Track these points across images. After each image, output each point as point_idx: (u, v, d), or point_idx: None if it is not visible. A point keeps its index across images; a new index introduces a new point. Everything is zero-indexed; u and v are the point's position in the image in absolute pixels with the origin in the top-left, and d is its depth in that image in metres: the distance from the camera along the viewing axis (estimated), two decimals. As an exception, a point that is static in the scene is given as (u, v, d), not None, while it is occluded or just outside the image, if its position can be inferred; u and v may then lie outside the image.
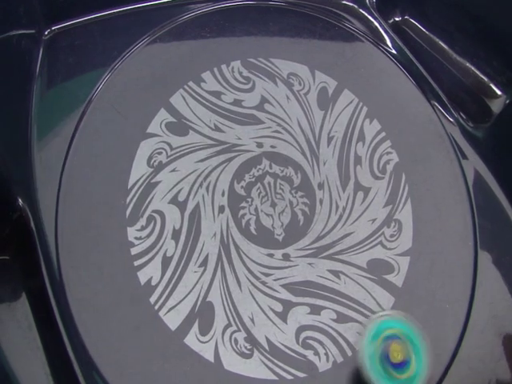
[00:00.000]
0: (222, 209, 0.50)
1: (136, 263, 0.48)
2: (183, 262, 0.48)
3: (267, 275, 0.48)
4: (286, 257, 0.49)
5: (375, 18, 0.61)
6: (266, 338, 0.46)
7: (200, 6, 0.59)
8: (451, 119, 0.56)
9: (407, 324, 0.40)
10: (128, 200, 0.50)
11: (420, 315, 0.47)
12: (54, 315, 0.46)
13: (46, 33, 0.57)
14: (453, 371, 0.46)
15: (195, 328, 0.46)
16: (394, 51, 0.59)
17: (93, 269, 0.47)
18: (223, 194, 0.51)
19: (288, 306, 0.47)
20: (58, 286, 0.47)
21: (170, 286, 0.47)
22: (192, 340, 0.46)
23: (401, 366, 0.38)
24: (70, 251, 0.48)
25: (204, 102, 0.54)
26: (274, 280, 0.48)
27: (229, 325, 0.46)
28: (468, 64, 0.57)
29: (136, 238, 0.49)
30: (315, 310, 0.47)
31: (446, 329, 0.47)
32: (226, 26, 0.58)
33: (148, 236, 0.49)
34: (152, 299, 0.47)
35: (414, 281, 0.49)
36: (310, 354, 0.46)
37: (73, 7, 0.57)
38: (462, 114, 0.57)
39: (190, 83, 0.55)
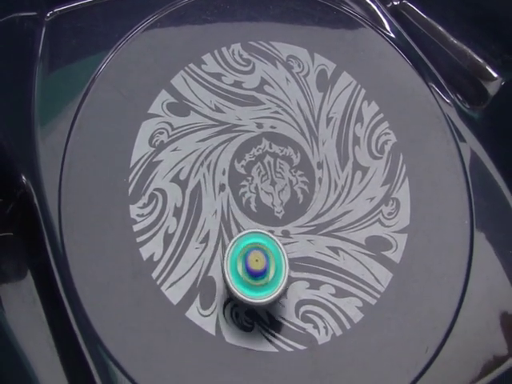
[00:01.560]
0: (222, 187, 0.51)
1: (138, 239, 0.48)
2: (185, 238, 0.49)
3: None
4: (285, 233, 0.49)
5: (374, 2, 0.61)
6: (266, 311, 0.47)
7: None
8: (448, 101, 0.57)
9: (268, 238, 0.42)
10: (130, 178, 0.50)
11: (417, 290, 0.48)
12: (58, 290, 0.46)
13: (49, 15, 0.57)
14: (449, 344, 0.47)
15: (197, 302, 0.47)
16: (392, 35, 0.60)
17: (96, 245, 0.48)
18: (224, 173, 0.51)
19: (288, 280, 0.47)
20: (61, 261, 0.47)
21: (172, 262, 0.48)
22: (194, 314, 0.46)
23: (259, 274, 0.40)
24: (73, 228, 0.48)
25: (205, 83, 0.55)
26: None
27: (230, 299, 0.47)
28: (465, 47, 0.57)
29: (138, 215, 0.49)
30: (314, 284, 0.48)
31: (442, 303, 0.48)
32: (227, 9, 0.58)
33: (150, 213, 0.49)
34: (154, 274, 0.47)
35: (411, 257, 0.49)
36: (309, 327, 0.47)
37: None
38: (458, 96, 0.57)
39: (191, 65, 0.55)
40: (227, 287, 0.42)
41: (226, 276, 0.41)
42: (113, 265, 0.47)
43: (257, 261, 0.40)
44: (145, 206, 0.49)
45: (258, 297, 0.41)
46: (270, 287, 0.41)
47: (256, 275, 0.41)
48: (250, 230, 0.43)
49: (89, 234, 0.48)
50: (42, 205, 0.48)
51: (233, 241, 0.42)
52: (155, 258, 0.48)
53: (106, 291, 0.46)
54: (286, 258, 0.41)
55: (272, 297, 0.41)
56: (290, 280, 0.47)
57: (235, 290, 0.41)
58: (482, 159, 0.54)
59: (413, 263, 0.49)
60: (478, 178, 0.53)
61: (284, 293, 0.42)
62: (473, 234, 0.50)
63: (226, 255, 0.42)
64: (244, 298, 0.41)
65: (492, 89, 0.56)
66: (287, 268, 0.41)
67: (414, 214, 0.50)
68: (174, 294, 0.47)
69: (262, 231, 0.43)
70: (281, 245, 0.42)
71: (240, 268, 0.41)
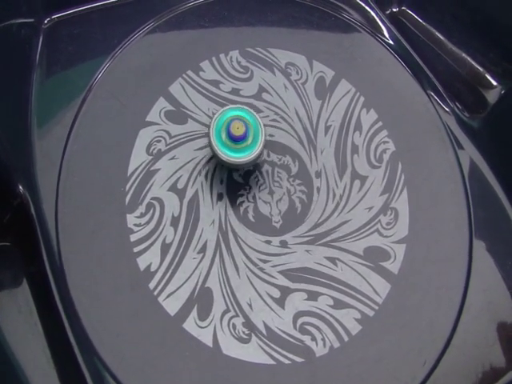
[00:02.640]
0: (220, 196, 0.50)
1: (135, 249, 0.48)
2: (182, 248, 0.48)
3: (265, 262, 0.48)
4: (283, 243, 0.49)
5: (372, 9, 0.61)
6: (264, 323, 0.46)
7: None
8: (447, 109, 0.56)
9: (247, 111, 0.47)
10: (127, 187, 0.50)
11: (416, 301, 0.48)
12: (54, 300, 0.46)
13: (46, 21, 0.57)
14: (447, 356, 0.46)
15: (194, 313, 0.46)
16: (390, 42, 0.59)
17: (93, 255, 0.47)
18: (222, 182, 0.51)
19: (285, 292, 0.47)
20: (58, 271, 0.47)
21: (169, 272, 0.47)
22: (191, 325, 0.46)
23: (240, 139, 0.46)
24: (70, 237, 0.48)
25: (202, 90, 0.54)
26: (272, 266, 0.48)
27: (227, 310, 0.47)
28: (464, 55, 0.57)
29: (135, 225, 0.49)
30: (312, 296, 0.47)
31: (441, 315, 0.48)
32: (225, 16, 0.57)
33: (147, 223, 0.49)
34: (151, 285, 0.47)
35: (409, 268, 0.49)
36: (307, 339, 0.46)
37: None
38: (457, 104, 0.56)
39: (189, 72, 0.54)
40: (214, 151, 0.46)
41: (212, 141, 0.46)
42: (110, 275, 0.47)
43: (238, 128, 0.45)
44: (142, 215, 0.49)
45: (240, 157, 0.46)
46: (250, 149, 0.46)
47: (237, 140, 0.46)
48: (233, 106, 0.47)
49: (86, 243, 0.47)
50: (38, 214, 0.48)
51: (217, 113, 0.47)
52: (152, 269, 0.47)
53: (102, 302, 0.46)
54: (262, 127, 0.47)
55: (251, 156, 0.46)
56: (288, 291, 0.47)
57: (220, 153, 0.46)
58: (481, 168, 0.53)
59: (411, 274, 0.48)
60: (477, 188, 0.52)
61: (261, 154, 0.47)
62: (472, 245, 0.50)
63: (211, 125, 0.46)
64: (228, 158, 0.46)
65: (491, 97, 0.55)
66: (263, 135, 0.47)
67: (412, 224, 0.50)
68: (172, 305, 0.46)
69: (243, 106, 0.47)
70: (258, 116, 0.47)
71: (224, 135, 0.46)
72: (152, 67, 0.54)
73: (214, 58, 0.55)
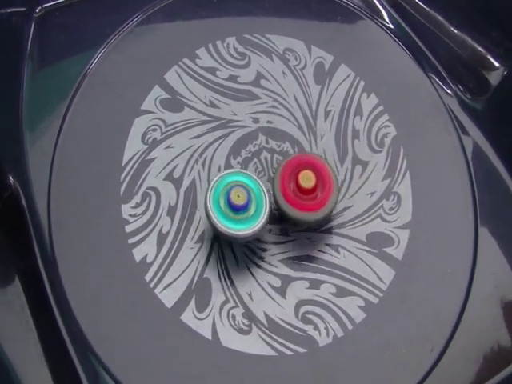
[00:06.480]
0: None
1: (131, 241, 0.45)
2: (179, 238, 0.46)
3: (265, 250, 0.46)
4: (283, 231, 0.47)
5: None
6: (265, 313, 0.44)
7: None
8: (449, 92, 0.54)
9: (249, 177, 0.42)
10: (122, 177, 0.47)
11: (421, 287, 0.45)
12: (47, 295, 0.43)
13: (38, 10, 0.54)
14: (455, 342, 0.44)
15: (192, 305, 0.44)
16: (390, 25, 0.57)
17: (87, 247, 0.45)
18: (219, 170, 0.48)
19: (286, 280, 0.45)
20: (50, 265, 0.44)
21: (166, 263, 0.45)
22: (189, 317, 0.44)
23: (241, 208, 0.41)
24: (62, 230, 0.45)
25: (199, 78, 0.52)
26: (272, 255, 0.46)
27: (226, 301, 0.44)
28: (465, 37, 0.55)
29: (131, 216, 0.46)
30: (314, 284, 0.45)
31: (447, 300, 0.45)
32: (220, 3, 0.55)
33: (143, 213, 0.46)
34: (147, 277, 0.44)
35: (414, 253, 0.46)
36: (309, 328, 0.44)
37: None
38: (460, 87, 0.54)
39: (185, 60, 0.52)
40: (210, 221, 0.41)
41: (209, 210, 0.41)
42: (104, 267, 0.45)
43: (238, 196, 0.40)
44: (137, 205, 0.47)
45: (241, 229, 0.41)
46: (252, 220, 0.41)
47: (238, 209, 0.41)
48: (232, 170, 0.43)
49: (79, 235, 0.45)
50: (30, 206, 0.46)
51: (215, 179, 0.42)
52: (148, 260, 0.45)
53: (97, 295, 0.44)
54: (266, 194, 0.42)
55: (254, 229, 0.41)
56: (289, 279, 0.45)
57: (218, 223, 0.41)
58: (485, 151, 0.51)
59: (416, 260, 0.46)
60: (481, 171, 0.49)
61: (265, 226, 0.42)
62: (477, 228, 0.47)
63: (208, 191, 0.41)
64: (226, 230, 0.41)
65: (494, 78, 0.53)
66: (268, 204, 0.42)
67: (415, 209, 0.47)
68: (169, 297, 0.44)
69: (244, 171, 0.43)
70: (261, 183, 0.42)
71: (222, 203, 0.41)
72: (147, 55, 0.52)
73: (210, 45, 0.53)
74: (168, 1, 0.55)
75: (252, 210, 0.41)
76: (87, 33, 0.53)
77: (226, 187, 0.41)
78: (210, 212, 0.41)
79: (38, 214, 0.46)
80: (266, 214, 0.41)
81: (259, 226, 0.41)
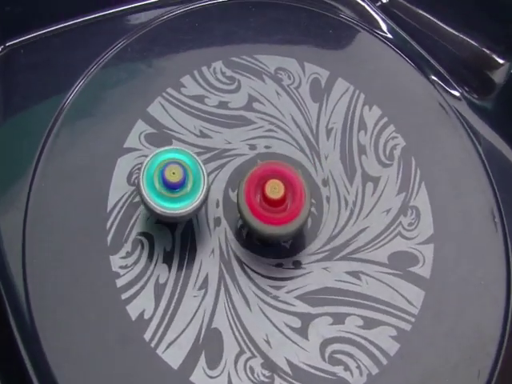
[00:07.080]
0: (217, 221, 0.45)
1: (124, 296, 0.41)
2: (179, 287, 0.42)
3: (278, 288, 0.42)
4: (297, 265, 0.43)
5: (362, 0, 0.57)
6: (287, 359, 0.40)
7: (169, 9, 0.54)
8: (455, 94, 0.52)
9: (184, 152, 0.40)
10: (108, 225, 0.43)
11: (455, 305, 0.43)
12: (28, 374, 0.39)
13: (0, 49, 0.51)
14: (503, 359, 0.42)
15: (202, 362, 0.40)
16: (384, 33, 0.55)
17: (72, 311, 0.41)
18: (217, 205, 0.45)
19: (307, 319, 0.42)
20: (30, 338, 0.40)
21: (167, 318, 0.41)
22: (200, 376, 0.39)
23: (176, 186, 0.39)
24: (42, 294, 0.41)
25: (185, 107, 0.49)
26: (287, 292, 0.42)
27: (241, 352, 0.40)
28: (463, 36, 0.54)
29: (121, 267, 0.42)
30: (338, 319, 0.42)
31: (486, 315, 0.43)
32: (203, 27, 0.53)
33: (135, 263, 0.42)
34: (147, 336, 0.40)
35: (442, 269, 0.44)
36: (339, 370, 0.40)
37: (29, 19, 0.51)
38: (465, 88, 0.53)
39: (169, 90, 0.49)
40: (145, 204, 0.39)
41: (143, 191, 0.39)
42: (96, 332, 0.40)
43: (173, 173, 0.39)
44: (128, 254, 0.43)
45: (178, 208, 0.39)
46: (190, 197, 0.39)
47: (174, 187, 0.39)
48: (166, 147, 0.41)
49: (62, 298, 0.41)
50: (2, 268, 0.42)
51: (148, 158, 0.40)
52: (146, 316, 0.41)
53: (90, 366, 0.39)
54: (203, 168, 0.40)
55: (192, 207, 0.39)
56: (310, 317, 0.42)
57: (154, 204, 0.39)
58: (500, 148, 0.50)
59: (445, 276, 0.44)
60: (498, 171, 0.48)
61: (204, 203, 0.40)
62: (505, 232, 0.45)
63: (141, 172, 0.39)
64: (164, 210, 0.39)
65: (498, 76, 0.52)
66: (206, 178, 0.40)
67: (436, 221, 0.45)
68: (174, 356, 0.40)
69: (178, 147, 0.41)
70: (197, 158, 0.40)
71: (157, 183, 0.39)
72: (126, 89, 0.49)
73: (195, 72, 0.50)
74: (144, 30, 0.52)
75: (189, 187, 0.39)
76: (59, 70, 0.50)
77: (160, 166, 0.39)
78: (144, 193, 0.39)
79: (12, 277, 0.41)
80: (205, 188, 0.39)
81: (198, 202, 0.39)
